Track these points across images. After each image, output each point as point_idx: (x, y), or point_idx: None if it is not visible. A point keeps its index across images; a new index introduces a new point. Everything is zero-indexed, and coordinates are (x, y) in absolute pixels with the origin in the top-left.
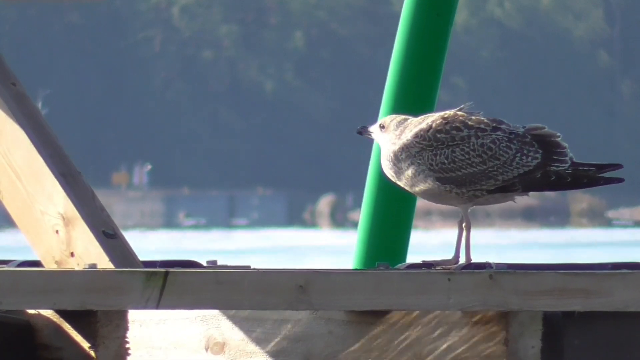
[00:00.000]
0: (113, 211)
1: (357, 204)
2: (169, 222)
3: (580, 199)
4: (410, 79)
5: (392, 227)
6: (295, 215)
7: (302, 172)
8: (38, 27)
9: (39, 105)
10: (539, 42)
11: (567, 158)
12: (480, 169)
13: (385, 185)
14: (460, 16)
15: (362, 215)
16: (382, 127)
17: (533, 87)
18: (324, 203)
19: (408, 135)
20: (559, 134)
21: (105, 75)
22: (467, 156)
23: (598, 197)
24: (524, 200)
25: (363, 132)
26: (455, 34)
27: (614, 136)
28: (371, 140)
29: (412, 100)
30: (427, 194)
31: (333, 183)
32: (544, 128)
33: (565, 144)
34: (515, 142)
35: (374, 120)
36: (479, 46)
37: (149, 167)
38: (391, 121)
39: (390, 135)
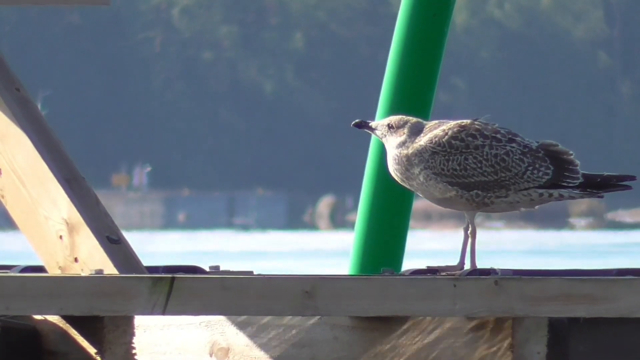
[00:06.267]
0: (113, 213)
1: (357, 206)
2: (169, 223)
3: (579, 200)
4: (407, 79)
5: (389, 229)
6: (295, 217)
7: (301, 173)
8: (38, 28)
9: (39, 106)
10: (539, 43)
11: (578, 175)
12: (492, 179)
13: (382, 187)
14: (460, 17)
15: (359, 217)
16: (391, 127)
17: (533, 88)
18: (324, 204)
19: (423, 139)
20: (571, 151)
21: (105, 76)
22: (479, 165)
23: (597, 199)
24: None
25: (363, 125)
26: (455, 35)
27: (614, 136)
28: (369, 136)
29: (409, 101)
30: (437, 199)
31: (333, 184)
32: (558, 145)
33: (577, 162)
34: (528, 155)
35: (373, 120)
36: (479, 47)
37: (149, 168)
38: (404, 123)
39: (402, 137)
